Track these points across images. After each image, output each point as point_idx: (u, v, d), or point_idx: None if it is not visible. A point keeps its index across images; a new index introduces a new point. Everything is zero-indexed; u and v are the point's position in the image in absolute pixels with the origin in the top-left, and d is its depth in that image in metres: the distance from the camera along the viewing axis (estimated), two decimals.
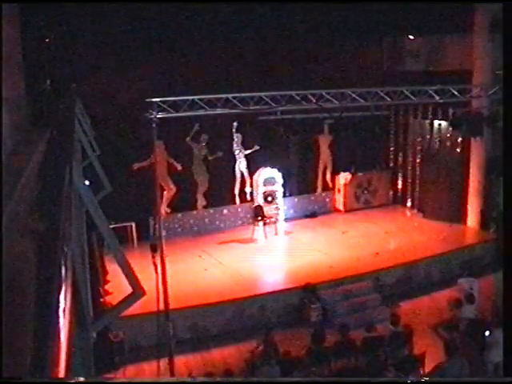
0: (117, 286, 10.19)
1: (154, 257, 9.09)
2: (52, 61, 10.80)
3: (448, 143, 15.05)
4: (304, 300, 11.41)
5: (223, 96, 10.17)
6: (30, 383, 1.52)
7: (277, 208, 15.30)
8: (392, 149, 17.15)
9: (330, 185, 17.10)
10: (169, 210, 14.84)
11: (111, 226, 5.90)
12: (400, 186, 17.18)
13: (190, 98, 9.99)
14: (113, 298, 9.97)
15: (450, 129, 13.72)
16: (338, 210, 16.99)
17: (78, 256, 4.37)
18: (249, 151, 15.34)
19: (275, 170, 15.35)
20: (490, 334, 8.54)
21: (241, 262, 13.08)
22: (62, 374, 1.73)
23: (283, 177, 15.47)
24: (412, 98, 11.19)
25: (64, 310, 2.02)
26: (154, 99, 9.58)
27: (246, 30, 14.13)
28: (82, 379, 2.14)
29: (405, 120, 16.43)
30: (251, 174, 15.52)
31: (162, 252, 9.34)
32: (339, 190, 16.94)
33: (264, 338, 9.34)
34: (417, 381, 5.99)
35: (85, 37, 12.46)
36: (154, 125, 9.35)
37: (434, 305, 11.68)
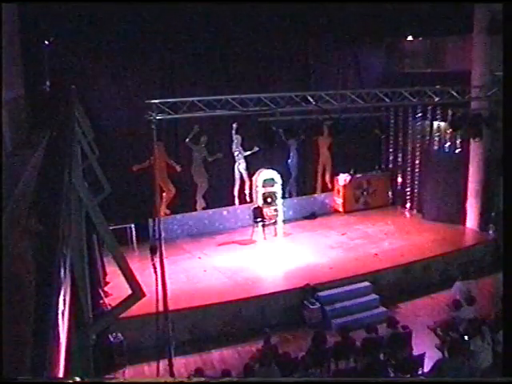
0: (116, 287, 10.19)
1: (153, 258, 9.09)
2: (52, 61, 10.85)
3: (447, 144, 15.05)
4: (303, 301, 11.40)
5: (222, 97, 10.16)
6: (29, 383, 1.52)
7: (276, 209, 15.28)
8: (391, 150, 17.16)
9: (330, 186, 17.08)
10: (168, 212, 14.82)
11: (110, 228, 5.88)
12: (399, 187, 17.18)
13: (190, 99, 9.98)
14: (112, 300, 9.98)
15: (450, 130, 13.72)
16: (337, 212, 16.97)
17: (78, 257, 4.37)
18: (248, 152, 15.32)
19: (274, 172, 15.34)
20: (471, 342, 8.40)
21: (240, 264, 13.07)
22: (61, 375, 1.73)
23: (282, 178, 15.47)
24: (411, 99, 11.19)
25: (63, 312, 2.02)
26: (154, 101, 9.56)
27: (245, 31, 14.16)
28: (81, 380, 2.13)
29: (404, 121, 16.43)
30: (250, 176, 15.50)
31: (161, 253, 9.33)
32: (338, 192, 16.93)
33: (263, 340, 9.33)
34: (417, 381, 6.00)
35: (84, 38, 12.46)
36: (153, 126, 9.33)
37: (434, 306, 11.67)
